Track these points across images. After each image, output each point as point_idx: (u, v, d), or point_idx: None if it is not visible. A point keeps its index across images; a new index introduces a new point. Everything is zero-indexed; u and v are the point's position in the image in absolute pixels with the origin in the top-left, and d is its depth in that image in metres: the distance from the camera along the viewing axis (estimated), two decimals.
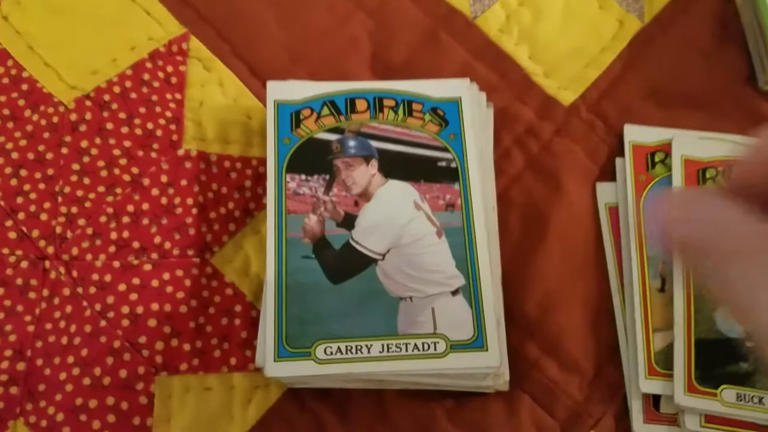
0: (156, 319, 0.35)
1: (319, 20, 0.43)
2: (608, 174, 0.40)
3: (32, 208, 0.36)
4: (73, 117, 0.38)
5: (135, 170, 0.37)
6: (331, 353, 0.33)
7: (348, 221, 0.36)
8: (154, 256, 0.36)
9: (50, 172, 0.37)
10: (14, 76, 0.39)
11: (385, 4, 0.44)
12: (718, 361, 0.34)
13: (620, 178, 0.40)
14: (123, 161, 0.37)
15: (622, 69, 0.43)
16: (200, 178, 0.38)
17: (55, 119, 0.38)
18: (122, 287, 0.35)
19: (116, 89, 0.39)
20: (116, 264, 0.35)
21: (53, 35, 0.40)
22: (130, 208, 0.36)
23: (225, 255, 0.37)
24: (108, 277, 0.35)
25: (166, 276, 0.35)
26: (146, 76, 0.40)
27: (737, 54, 0.44)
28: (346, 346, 0.33)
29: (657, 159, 0.39)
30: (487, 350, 0.33)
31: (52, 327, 0.34)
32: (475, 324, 0.34)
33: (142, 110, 0.39)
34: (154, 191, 0.37)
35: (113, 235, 0.36)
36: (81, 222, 0.36)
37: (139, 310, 0.35)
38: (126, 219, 0.36)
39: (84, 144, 0.37)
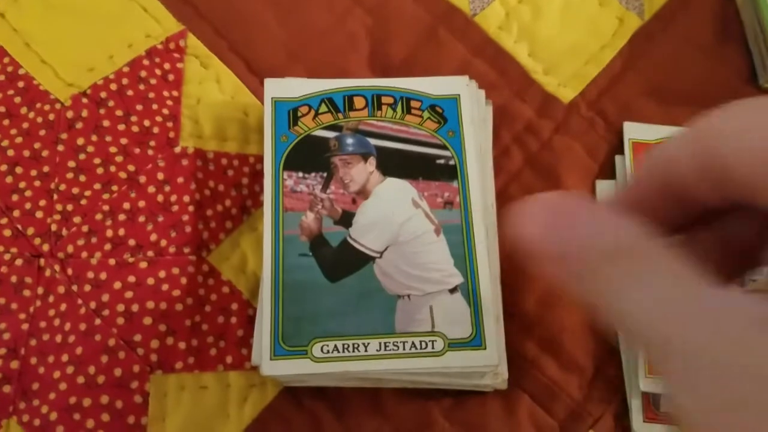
0: (151, 317, 0.34)
1: (318, 17, 0.43)
2: (608, 172, 0.40)
3: (27, 205, 0.36)
4: (70, 114, 0.38)
5: (131, 168, 0.37)
6: (328, 351, 0.33)
7: (345, 219, 0.35)
8: (150, 253, 0.35)
9: (46, 169, 0.36)
10: (10, 73, 0.38)
11: (385, 1, 0.43)
12: None
13: (620, 175, 0.40)
14: (119, 159, 0.37)
15: (621, 66, 0.43)
16: (197, 175, 0.37)
17: (52, 116, 0.37)
18: (117, 285, 0.35)
19: (113, 86, 0.39)
20: (112, 262, 0.35)
21: (50, 32, 0.40)
22: (126, 205, 0.36)
23: (222, 253, 0.37)
24: (103, 275, 0.35)
25: (162, 274, 0.35)
26: (143, 74, 0.39)
27: (737, 51, 0.44)
28: (343, 345, 0.33)
29: None
30: (485, 349, 0.33)
31: (46, 325, 0.34)
32: (473, 322, 0.33)
33: (139, 107, 0.38)
34: (151, 189, 0.37)
35: (109, 233, 0.36)
36: (76, 219, 0.36)
37: (135, 308, 0.34)
38: (122, 216, 0.36)
39: (80, 141, 0.37)
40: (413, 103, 0.38)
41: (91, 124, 0.38)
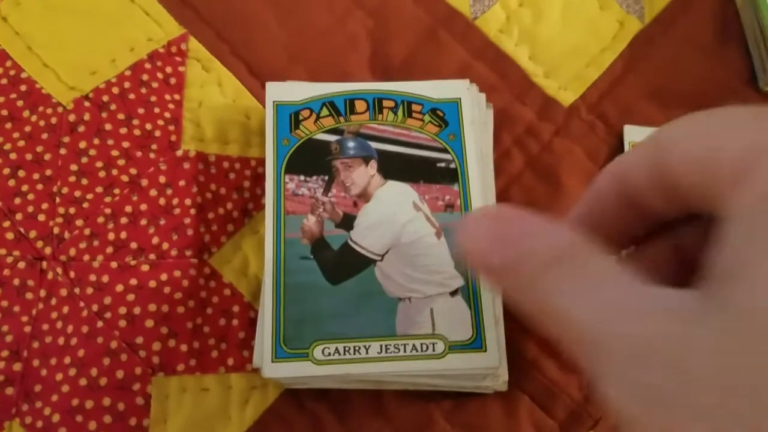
0: (153, 319, 0.34)
1: (319, 19, 0.43)
2: None
3: (30, 208, 0.36)
4: (72, 118, 0.38)
5: (133, 171, 0.37)
6: (329, 354, 0.33)
7: (347, 222, 0.36)
8: (152, 256, 0.35)
9: (48, 172, 0.37)
10: (13, 77, 0.39)
11: (385, 3, 0.44)
12: None
13: None
14: (121, 162, 0.37)
15: (622, 69, 0.43)
16: (198, 178, 0.37)
17: (54, 120, 0.38)
18: (119, 288, 0.35)
19: (115, 90, 0.39)
20: (114, 265, 0.35)
21: (52, 36, 0.40)
22: (128, 208, 0.36)
23: (223, 255, 0.37)
24: (105, 278, 0.35)
25: (164, 277, 0.35)
26: (145, 77, 0.39)
27: (738, 55, 0.44)
28: (344, 347, 0.33)
29: None
30: (485, 351, 0.33)
31: (49, 327, 0.34)
32: (473, 324, 0.34)
33: (141, 111, 0.38)
34: (153, 192, 0.37)
35: (111, 236, 0.36)
36: (79, 223, 0.36)
37: (137, 310, 0.34)
38: (124, 220, 0.36)
39: (82, 145, 0.37)
40: (414, 107, 0.38)
41: (93, 127, 0.38)
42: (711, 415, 0.18)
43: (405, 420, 0.35)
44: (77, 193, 0.36)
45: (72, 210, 0.36)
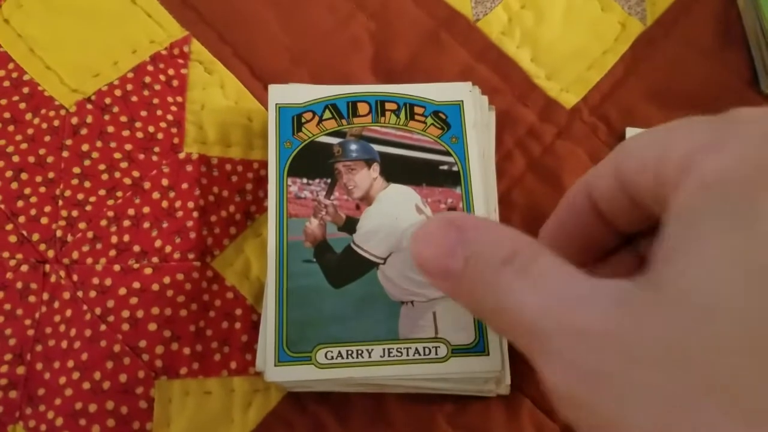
0: (156, 323, 0.34)
1: (321, 22, 0.43)
2: None
3: (33, 211, 0.36)
4: (74, 120, 0.38)
5: (136, 174, 0.37)
6: (332, 358, 0.33)
7: (349, 225, 0.36)
8: (155, 259, 0.36)
9: (51, 175, 0.37)
10: (15, 79, 0.39)
11: (387, 5, 0.44)
12: None
13: None
14: (124, 164, 0.37)
15: (624, 71, 0.43)
16: (201, 181, 0.37)
17: (56, 122, 0.38)
18: (122, 291, 0.35)
19: (117, 92, 0.39)
20: (116, 268, 0.35)
21: (54, 38, 0.40)
22: (131, 211, 0.36)
23: (226, 258, 0.37)
24: (108, 281, 0.35)
25: (167, 280, 0.35)
26: (147, 79, 0.39)
27: (740, 57, 0.44)
28: (347, 351, 0.33)
29: None
30: (488, 354, 0.33)
31: (52, 331, 0.34)
32: (476, 328, 0.34)
33: (144, 113, 0.38)
34: (155, 195, 0.37)
35: (114, 239, 0.36)
36: (81, 225, 0.36)
37: (140, 314, 0.34)
38: (127, 222, 0.36)
39: (85, 147, 0.37)
40: (417, 109, 0.38)
41: (95, 130, 0.38)
42: (642, 385, 0.19)
43: (407, 423, 0.35)
44: (80, 196, 0.36)
45: (75, 213, 0.36)
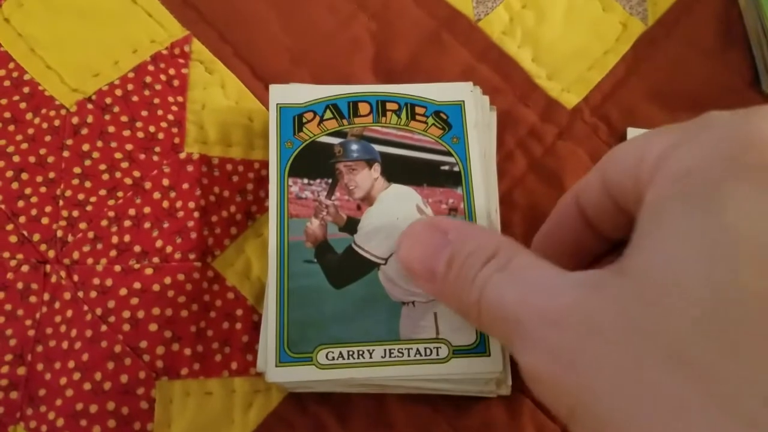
0: (157, 323, 0.34)
1: (322, 22, 0.43)
2: None
3: (33, 211, 0.36)
4: (75, 120, 0.38)
5: (137, 174, 0.37)
6: (333, 358, 0.33)
7: (350, 225, 0.36)
8: (156, 260, 0.35)
9: (51, 175, 0.37)
10: (16, 79, 0.39)
11: (388, 5, 0.44)
12: None
13: None
14: (124, 164, 0.37)
15: (625, 72, 0.43)
16: (202, 181, 0.37)
17: (57, 122, 0.38)
18: (123, 291, 0.35)
19: (118, 92, 0.39)
20: (117, 268, 0.35)
21: (55, 37, 0.40)
22: (132, 211, 0.36)
23: (226, 258, 0.37)
24: (109, 282, 0.35)
25: (168, 280, 0.35)
26: (148, 79, 0.39)
27: (741, 57, 0.44)
28: (348, 351, 0.33)
29: None
30: (489, 355, 0.33)
31: (52, 331, 0.34)
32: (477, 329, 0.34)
33: (144, 113, 0.38)
34: (156, 195, 0.37)
35: (114, 239, 0.36)
36: (82, 226, 0.36)
37: (140, 314, 0.34)
38: (127, 223, 0.36)
39: (85, 147, 0.37)
40: (418, 110, 0.38)
41: (96, 130, 0.38)
42: (606, 359, 0.21)
43: (408, 424, 0.35)
44: (80, 196, 0.36)
45: (75, 213, 0.36)
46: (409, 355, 0.33)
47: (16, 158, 0.37)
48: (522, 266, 0.25)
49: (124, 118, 0.38)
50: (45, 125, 0.37)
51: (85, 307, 0.34)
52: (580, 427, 0.22)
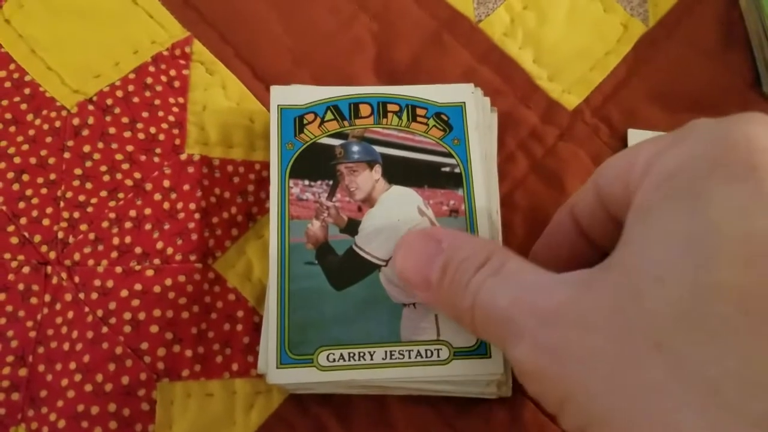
0: (158, 325, 0.34)
1: (323, 23, 0.43)
2: None
3: (34, 213, 0.36)
4: (76, 121, 0.38)
5: (137, 175, 0.37)
6: (334, 360, 0.33)
7: (351, 227, 0.36)
8: (157, 261, 0.35)
9: (52, 176, 0.37)
10: (16, 80, 0.39)
11: (389, 6, 0.43)
12: None
13: None
14: (125, 166, 0.37)
15: (626, 73, 0.43)
16: (203, 182, 0.37)
17: (58, 123, 0.38)
18: (124, 293, 0.35)
19: (119, 93, 0.39)
20: (118, 269, 0.35)
21: (56, 38, 0.40)
22: (133, 213, 0.36)
23: (227, 260, 0.37)
24: (110, 283, 0.35)
25: (168, 282, 0.35)
26: (149, 80, 0.39)
27: (742, 58, 0.44)
28: (349, 353, 0.33)
29: None
30: (490, 357, 0.33)
31: (53, 333, 0.34)
32: None
33: (145, 114, 0.38)
34: (157, 196, 0.37)
35: (115, 241, 0.36)
36: (83, 227, 0.36)
37: (141, 316, 0.34)
38: (128, 224, 0.36)
39: (86, 148, 0.37)
40: (419, 111, 0.38)
41: (97, 131, 0.38)
42: (594, 351, 0.22)
43: (409, 425, 0.35)
44: (81, 198, 0.36)
45: (76, 214, 0.36)
46: (410, 357, 0.33)
47: (17, 159, 0.37)
48: (514, 270, 0.26)
49: (124, 120, 0.38)
50: (46, 126, 0.37)
51: (86, 309, 0.34)
52: (569, 418, 0.23)
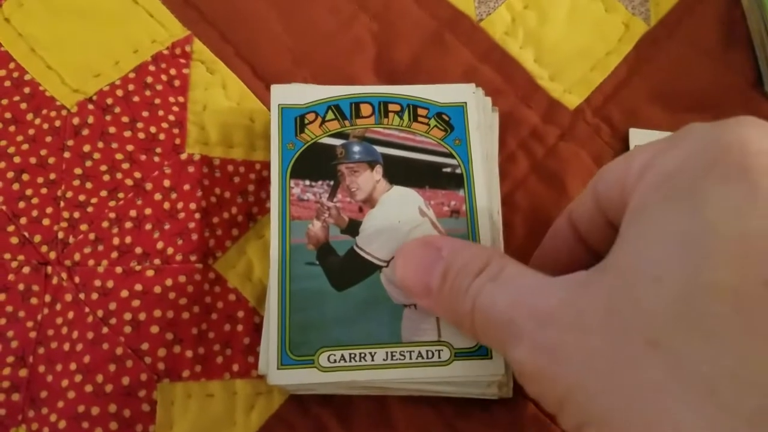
0: (158, 325, 0.34)
1: (323, 22, 0.43)
2: None
3: (34, 213, 0.36)
4: (76, 121, 0.37)
5: (137, 175, 0.37)
6: (335, 361, 0.33)
7: (352, 227, 0.35)
8: (157, 261, 0.35)
9: (52, 176, 0.36)
10: (16, 79, 0.38)
11: (390, 6, 0.43)
12: None
13: None
14: (125, 165, 0.37)
15: (627, 72, 0.43)
16: (203, 182, 0.37)
17: (58, 123, 0.37)
18: (124, 293, 0.35)
19: (119, 92, 0.39)
20: (118, 270, 0.35)
21: (55, 37, 0.40)
22: (133, 213, 0.36)
23: (228, 260, 0.37)
24: (110, 283, 0.35)
25: (169, 282, 0.35)
26: (149, 79, 0.39)
27: (744, 57, 0.44)
28: (350, 354, 0.33)
29: None
30: (491, 358, 0.33)
31: (54, 333, 0.34)
32: None
33: (145, 114, 0.38)
34: (157, 196, 0.37)
35: (115, 241, 0.36)
36: (83, 227, 0.36)
37: (142, 316, 0.34)
38: (128, 224, 0.36)
39: (86, 148, 0.37)
40: (420, 111, 0.38)
41: (97, 130, 0.38)
42: (591, 350, 0.22)
43: (409, 426, 0.35)
44: (81, 197, 0.36)
45: (76, 214, 0.36)
46: (410, 358, 0.33)
47: (16, 159, 0.37)
48: (512, 275, 0.27)
49: (125, 119, 0.38)
50: (46, 126, 0.37)
51: (87, 309, 0.34)
52: (569, 418, 0.23)
